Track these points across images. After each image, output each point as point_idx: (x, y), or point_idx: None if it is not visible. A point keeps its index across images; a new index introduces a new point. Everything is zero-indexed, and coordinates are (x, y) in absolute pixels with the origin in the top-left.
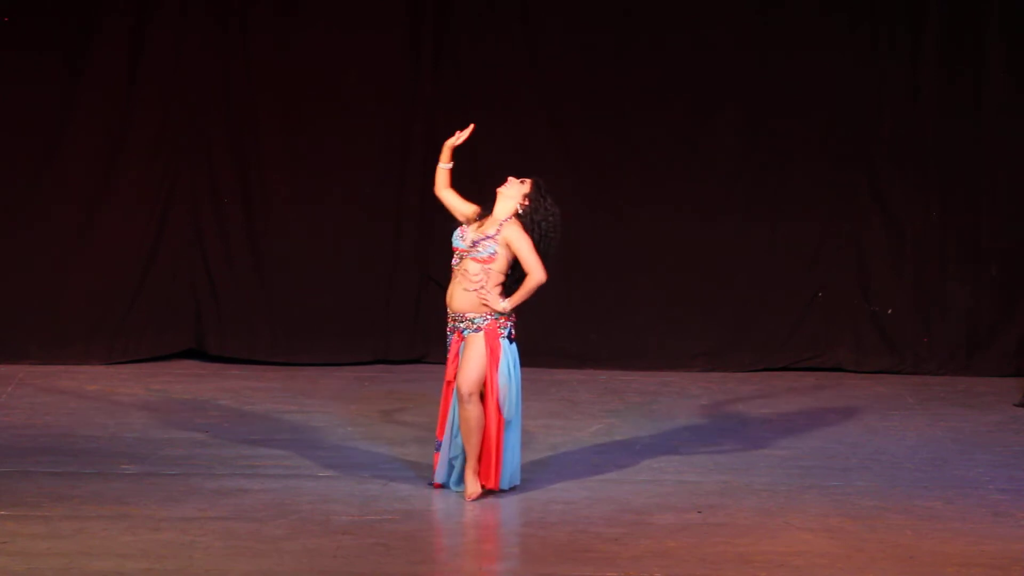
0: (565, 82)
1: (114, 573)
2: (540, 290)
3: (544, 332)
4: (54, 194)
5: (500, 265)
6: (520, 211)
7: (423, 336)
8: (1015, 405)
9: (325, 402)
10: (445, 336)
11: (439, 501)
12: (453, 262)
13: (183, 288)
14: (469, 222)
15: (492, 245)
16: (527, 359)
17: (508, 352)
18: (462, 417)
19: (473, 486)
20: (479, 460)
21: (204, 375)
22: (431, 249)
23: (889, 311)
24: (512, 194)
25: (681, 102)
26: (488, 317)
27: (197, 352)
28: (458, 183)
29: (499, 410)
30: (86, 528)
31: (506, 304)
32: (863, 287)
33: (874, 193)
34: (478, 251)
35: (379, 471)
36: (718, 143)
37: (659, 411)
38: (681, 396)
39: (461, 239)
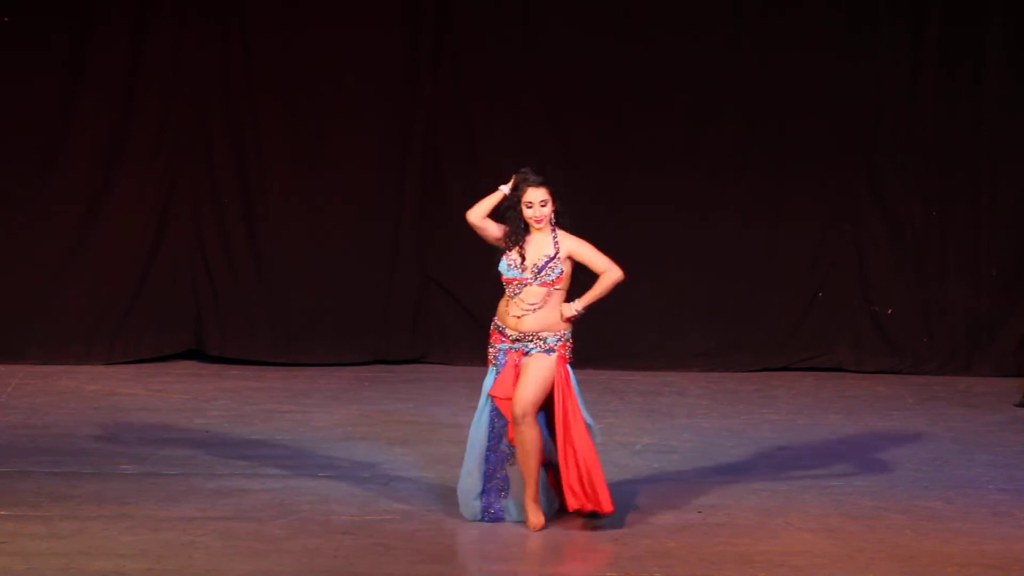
0: (565, 82)
1: (114, 573)
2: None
3: None
4: (54, 194)
5: (566, 284)
6: (554, 218)
7: (423, 336)
8: (1015, 405)
9: (325, 402)
10: (467, 345)
11: (439, 501)
12: (510, 291)
13: (183, 288)
14: (502, 243)
15: (559, 265)
16: None
17: (573, 374)
18: (517, 440)
19: (536, 516)
20: (552, 486)
21: (204, 375)
22: (431, 249)
23: (889, 311)
24: (546, 220)
25: (681, 102)
26: (561, 337)
27: (197, 352)
28: (458, 184)
29: (588, 431)
30: (86, 528)
31: (579, 306)
32: (863, 287)
33: (874, 193)
34: (546, 276)
35: (379, 471)
36: (718, 143)
37: (659, 411)
38: (681, 396)
39: (517, 268)
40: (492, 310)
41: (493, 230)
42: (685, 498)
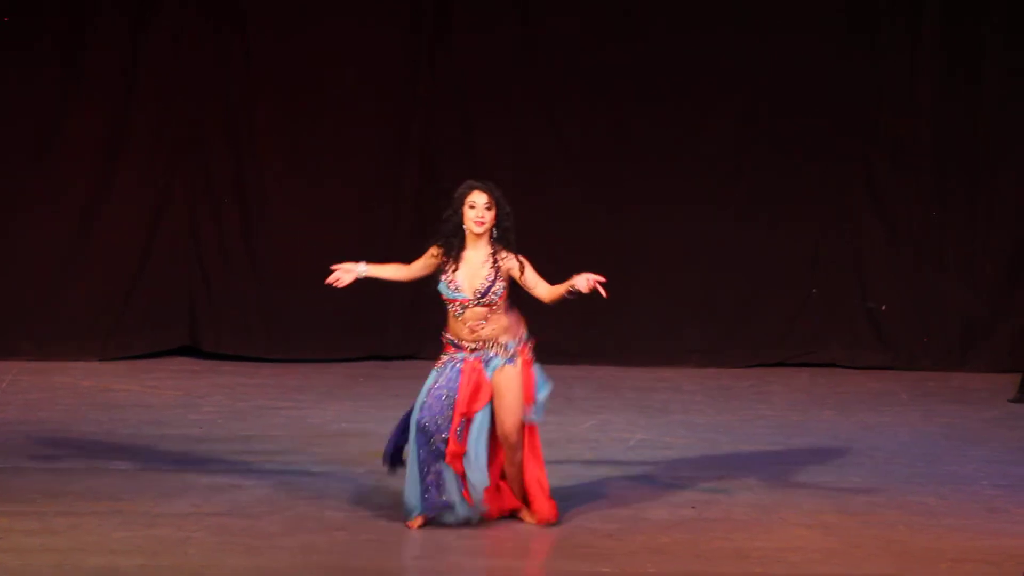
0: (565, 81)
1: (108, 569)
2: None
3: (539, 328)
4: (51, 191)
5: (504, 297)
6: (495, 234)
7: (418, 332)
8: (1010, 401)
9: (319, 398)
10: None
11: None
12: (452, 311)
13: (178, 285)
14: (439, 265)
15: (500, 286)
16: None
17: (539, 374)
18: (515, 462)
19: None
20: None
21: (198, 371)
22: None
23: (883, 308)
24: (487, 225)
25: (681, 101)
26: (520, 339)
27: (192, 348)
28: (456, 183)
29: (535, 439)
30: (80, 524)
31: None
32: (861, 286)
33: (873, 192)
34: (489, 298)
35: (373, 467)
36: (718, 142)
37: (654, 407)
38: (676, 392)
39: (456, 289)
40: None
41: (420, 267)
42: (680, 494)
